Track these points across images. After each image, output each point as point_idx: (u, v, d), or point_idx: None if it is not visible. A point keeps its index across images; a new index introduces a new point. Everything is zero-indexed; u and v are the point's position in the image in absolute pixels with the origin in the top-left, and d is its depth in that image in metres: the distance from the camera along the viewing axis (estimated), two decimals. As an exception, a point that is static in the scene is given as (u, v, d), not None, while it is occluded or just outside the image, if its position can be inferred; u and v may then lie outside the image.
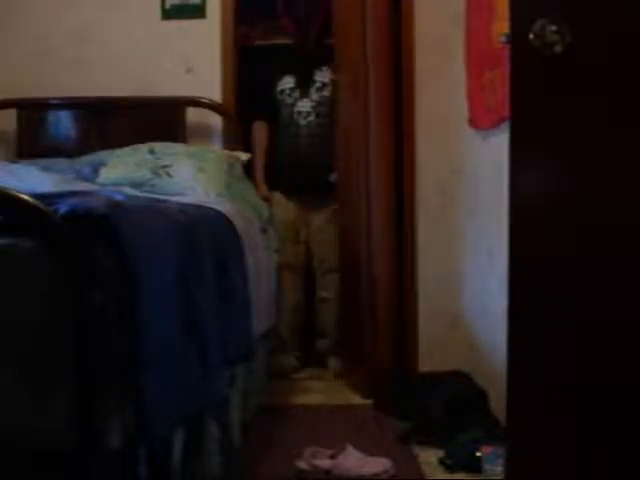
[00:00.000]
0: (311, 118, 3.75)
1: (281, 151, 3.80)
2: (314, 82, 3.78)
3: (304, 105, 3.76)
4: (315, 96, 3.76)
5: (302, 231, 3.86)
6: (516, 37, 1.85)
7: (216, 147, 3.62)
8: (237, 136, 3.63)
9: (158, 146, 3.25)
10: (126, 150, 3.25)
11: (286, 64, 3.87)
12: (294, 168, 3.75)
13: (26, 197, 1.52)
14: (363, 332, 3.46)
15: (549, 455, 1.94)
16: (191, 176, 3.06)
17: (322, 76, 3.78)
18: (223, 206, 2.72)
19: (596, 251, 1.89)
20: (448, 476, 2.55)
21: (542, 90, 1.87)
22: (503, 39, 1.92)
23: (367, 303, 3.41)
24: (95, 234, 1.63)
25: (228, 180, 3.15)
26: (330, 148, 3.69)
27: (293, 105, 3.78)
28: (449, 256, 3.49)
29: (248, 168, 3.55)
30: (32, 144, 3.56)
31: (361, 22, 3.31)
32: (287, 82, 3.79)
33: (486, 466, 2.49)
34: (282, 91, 3.80)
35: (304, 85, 3.78)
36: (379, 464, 2.57)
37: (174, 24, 3.64)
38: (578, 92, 1.87)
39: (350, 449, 2.63)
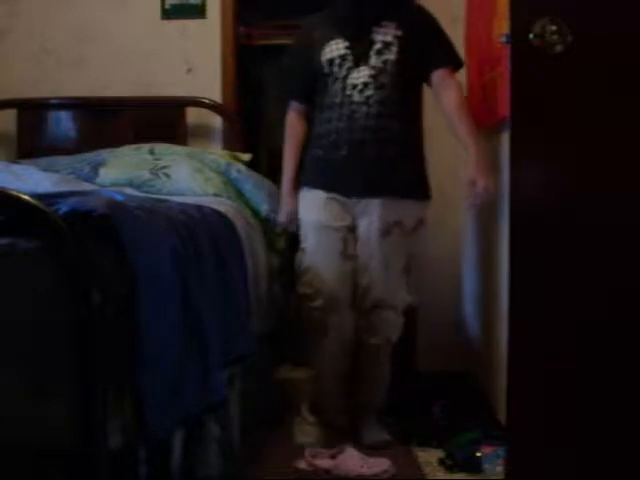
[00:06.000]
0: (369, 92, 2.74)
1: (324, 140, 2.82)
2: (372, 43, 2.77)
3: (359, 76, 2.76)
4: (375, 61, 2.76)
5: (350, 243, 2.81)
6: (516, 37, 1.85)
7: (216, 147, 3.62)
8: (237, 136, 3.63)
9: (158, 147, 3.25)
10: (126, 150, 3.25)
11: (335, 25, 2.85)
12: (349, 162, 2.77)
13: (26, 197, 1.52)
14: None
15: (549, 455, 1.93)
16: (189, 176, 3.06)
17: (383, 34, 2.77)
18: (223, 206, 2.72)
19: (596, 251, 1.89)
20: (448, 476, 2.55)
21: (542, 90, 1.88)
22: (503, 39, 1.93)
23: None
24: (95, 234, 1.63)
25: (227, 180, 3.15)
26: (403, 138, 2.79)
27: (345, 78, 2.77)
28: (449, 256, 3.49)
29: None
30: (32, 144, 3.55)
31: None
32: (336, 48, 2.79)
33: (486, 466, 2.49)
34: (330, 61, 2.79)
35: (359, 48, 2.78)
36: (379, 464, 2.57)
37: (174, 24, 3.64)
38: (578, 92, 1.87)
39: (350, 450, 2.63)
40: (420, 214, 2.84)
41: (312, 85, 2.87)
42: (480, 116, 3.04)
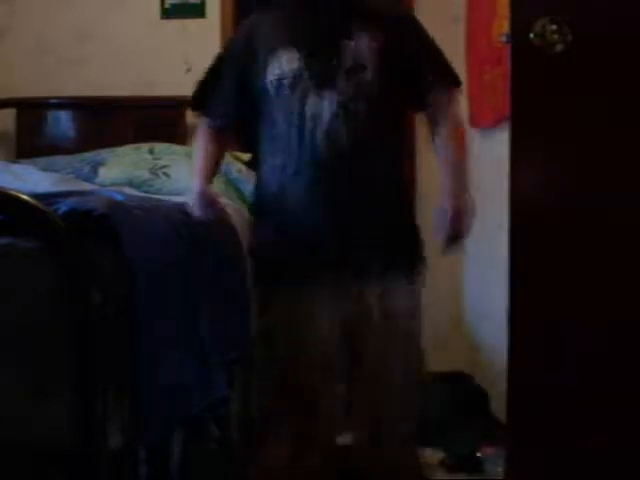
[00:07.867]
0: (337, 125, 1.94)
1: (275, 198, 2.03)
2: (340, 58, 1.96)
3: (322, 105, 1.94)
4: (343, 83, 1.94)
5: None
6: (516, 36, 1.85)
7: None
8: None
9: (158, 146, 3.25)
10: (126, 149, 3.25)
11: (286, 28, 2.04)
12: (317, 226, 1.98)
13: (26, 197, 1.52)
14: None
15: (549, 455, 1.93)
16: (189, 176, 3.05)
17: (354, 47, 1.96)
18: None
19: (596, 251, 1.89)
20: (448, 476, 2.55)
21: (542, 89, 1.88)
22: (504, 38, 1.93)
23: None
24: (95, 234, 1.63)
25: (226, 180, 3.15)
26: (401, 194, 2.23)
27: (303, 105, 1.95)
28: (449, 256, 3.48)
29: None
30: (32, 144, 3.55)
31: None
32: (286, 62, 1.98)
33: (486, 466, 2.49)
34: (279, 82, 1.98)
35: (321, 65, 1.96)
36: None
37: (173, 23, 3.63)
38: (578, 92, 1.87)
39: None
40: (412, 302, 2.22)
41: (243, 108, 2.09)
42: (480, 115, 3.04)
